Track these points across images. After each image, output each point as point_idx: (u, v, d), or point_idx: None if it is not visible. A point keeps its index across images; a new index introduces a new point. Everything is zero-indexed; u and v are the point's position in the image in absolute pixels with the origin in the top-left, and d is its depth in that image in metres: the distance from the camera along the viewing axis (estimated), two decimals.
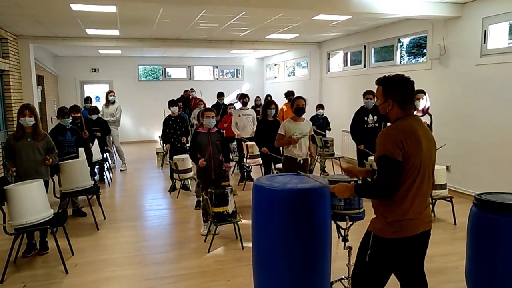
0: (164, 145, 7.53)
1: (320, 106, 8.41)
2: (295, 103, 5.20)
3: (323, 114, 8.33)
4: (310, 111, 7.75)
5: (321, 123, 8.22)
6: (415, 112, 5.38)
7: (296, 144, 5.08)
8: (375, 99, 5.77)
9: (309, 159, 5.36)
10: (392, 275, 2.45)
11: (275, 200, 2.87)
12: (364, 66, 9.19)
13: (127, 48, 11.22)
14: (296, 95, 6.65)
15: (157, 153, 10.16)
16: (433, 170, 2.39)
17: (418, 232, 2.31)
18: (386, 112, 2.41)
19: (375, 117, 6.60)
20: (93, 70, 13.92)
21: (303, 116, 5.28)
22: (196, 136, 5.00)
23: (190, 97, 11.46)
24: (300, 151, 5.12)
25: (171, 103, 7.43)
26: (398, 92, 2.34)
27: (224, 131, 6.47)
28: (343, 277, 3.45)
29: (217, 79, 15.28)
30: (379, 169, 2.24)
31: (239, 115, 7.75)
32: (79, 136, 5.75)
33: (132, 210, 6.14)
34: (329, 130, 8.42)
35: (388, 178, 2.22)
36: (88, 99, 9.02)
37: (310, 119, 6.66)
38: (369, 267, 2.40)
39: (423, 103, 5.40)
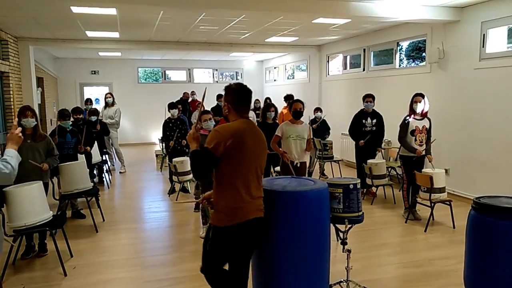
0: (164, 146, 7.49)
1: (318, 109, 8.39)
2: (293, 107, 5.26)
3: (321, 117, 8.31)
4: (309, 115, 7.77)
5: (319, 126, 8.18)
6: (413, 116, 5.43)
7: (289, 148, 5.13)
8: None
9: (308, 162, 5.38)
10: None
11: (274, 202, 2.88)
12: (364, 70, 9.21)
13: (127, 50, 11.24)
14: (295, 98, 6.69)
15: (156, 155, 10.16)
16: (261, 166, 2.77)
17: (249, 218, 2.63)
18: (225, 114, 2.81)
19: (374, 121, 6.62)
20: (93, 72, 13.93)
21: (301, 119, 5.31)
22: None
23: (190, 99, 11.50)
24: (294, 155, 5.13)
25: (171, 106, 7.43)
26: (233, 98, 2.72)
27: None
28: (342, 280, 3.45)
29: (217, 81, 15.29)
30: (201, 155, 2.60)
31: None
32: (79, 139, 5.76)
33: (131, 212, 6.14)
34: (328, 135, 8.38)
35: (201, 166, 2.61)
36: (88, 101, 9.03)
37: (309, 123, 6.66)
38: (211, 255, 2.71)
39: (420, 106, 5.41)
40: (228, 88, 2.77)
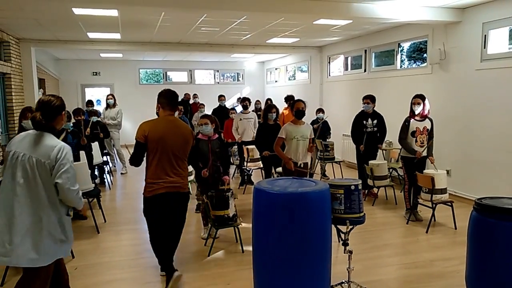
0: None
1: (320, 110, 8.40)
2: (295, 106, 5.21)
3: (323, 118, 8.31)
4: (310, 115, 7.78)
5: (320, 127, 8.16)
6: (415, 116, 5.41)
7: (292, 149, 5.11)
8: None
9: (309, 162, 5.37)
10: None
11: (276, 203, 2.88)
12: (365, 71, 9.21)
13: (128, 51, 11.26)
14: (296, 99, 6.67)
15: None
16: (176, 152, 3.59)
17: (162, 192, 3.55)
18: (157, 111, 3.69)
19: (374, 122, 6.61)
20: (94, 74, 13.95)
21: (303, 120, 5.30)
22: (198, 143, 4.95)
23: (192, 102, 11.52)
24: (299, 155, 5.12)
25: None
26: (161, 99, 3.66)
27: (222, 135, 6.47)
28: (344, 281, 3.45)
29: (218, 82, 15.31)
30: (134, 146, 3.56)
31: (240, 119, 7.76)
32: (79, 139, 5.76)
33: (132, 213, 6.14)
34: (329, 136, 8.38)
35: (133, 154, 3.58)
36: (89, 103, 9.06)
37: (310, 124, 6.66)
38: (147, 220, 3.76)
39: (419, 108, 5.40)
40: (159, 93, 3.68)
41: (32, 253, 2.55)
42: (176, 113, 7.41)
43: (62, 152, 2.61)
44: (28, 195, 2.57)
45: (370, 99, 6.61)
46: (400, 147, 5.75)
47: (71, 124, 5.78)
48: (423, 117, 5.46)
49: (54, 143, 2.63)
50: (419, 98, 5.43)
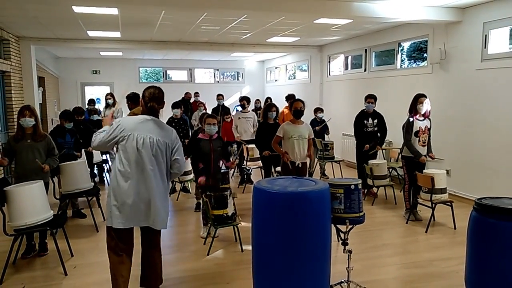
0: None
1: (319, 110, 8.37)
2: (294, 106, 5.23)
3: (322, 118, 8.30)
4: (309, 115, 7.77)
5: (320, 127, 8.17)
6: (417, 116, 5.39)
7: (291, 148, 5.11)
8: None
9: (308, 162, 5.37)
10: None
11: (275, 203, 2.87)
12: (365, 70, 9.20)
13: (128, 50, 11.25)
14: (296, 98, 6.68)
15: None
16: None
17: None
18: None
19: (375, 121, 6.61)
20: (94, 72, 13.94)
21: (302, 119, 5.30)
22: (199, 143, 4.92)
23: (192, 100, 11.48)
24: (296, 155, 5.12)
25: (174, 106, 7.45)
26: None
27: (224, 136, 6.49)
28: (343, 280, 3.44)
29: (218, 81, 15.30)
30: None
31: (239, 118, 7.75)
32: (77, 138, 5.76)
33: None
34: (328, 134, 8.39)
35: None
36: (91, 102, 9.07)
37: (310, 123, 6.65)
38: None
39: (425, 107, 5.37)
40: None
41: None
42: (178, 112, 7.45)
43: (176, 135, 3.30)
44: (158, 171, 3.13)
45: (374, 98, 6.60)
46: (400, 146, 5.74)
47: (72, 124, 5.77)
48: (425, 116, 5.45)
49: (170, 128, 3.32)
50: (425, 97, 5.39)
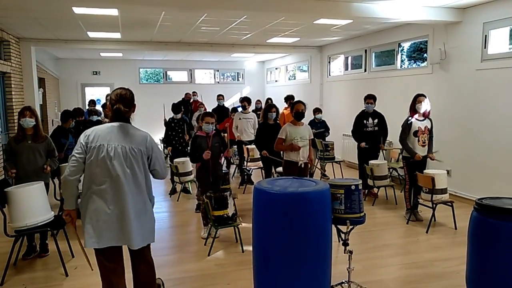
0: (165, 148, 7.50)
1: (317, 110, 8.35)
2: (295, 108, 5.23)
3: (321, 118, 8.29)
4: (309, 115, 7.77)
5: (319, 127, 8.14)
6: (416, 115, 5.39)
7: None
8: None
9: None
10: None
11: (276, 203, 2.87)
12: (365, 70, 9.20)
13: (128, 51, 11.25)
14: (296, 99, 6.67)
15: None
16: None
17: None
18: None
19: (375, 121, 6.61)
20: (94, 73, 13.94)
21: (302, 121, 5.30)
22: (196, 140, 4.99)
23: (191, 100, 11.48)
24: (300, 155, 5.12)
25: (176, 110, 7.31)
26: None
27: (227, 135, 6.46)
28: (344, 281, 3.44)
29: (218, 82, 15.30)
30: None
31: (239, 118, 7.76)
32: (78, 139, 5.77)
33: None
34: (327, 135, 8.37)
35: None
36: (91, 102, 9.06)
37: (308, 124, 6.65)
38: None
39: (424, 106, 5.38)
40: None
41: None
42: (179, 114, 7.43)
43: (152, 139, 2.91)
44: (133, 183, 2.81)
45: (373, 99, 6.60)
46: (401, 147, 5.74)
47: (73, 124, 5.78)
48: (425, 116, 5.45)
49: (143, 132, 2.89)
50: (424, 96, 5.40)
